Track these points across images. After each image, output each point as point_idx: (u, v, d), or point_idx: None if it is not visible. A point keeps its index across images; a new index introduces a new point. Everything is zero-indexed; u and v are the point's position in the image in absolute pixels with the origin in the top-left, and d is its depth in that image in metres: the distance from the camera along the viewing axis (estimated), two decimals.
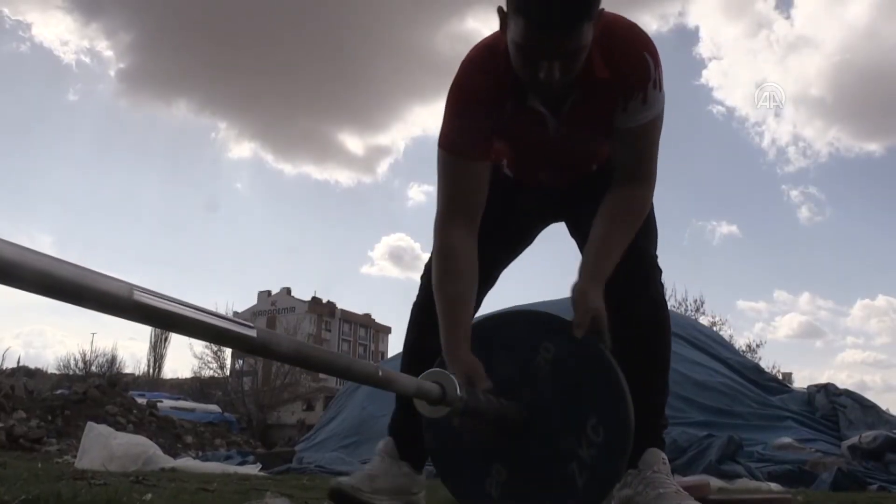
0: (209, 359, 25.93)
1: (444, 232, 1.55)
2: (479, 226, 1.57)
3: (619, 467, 1.46)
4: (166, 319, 0.70)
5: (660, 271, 1.70)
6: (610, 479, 1.47)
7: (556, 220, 1.86)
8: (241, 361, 28.90)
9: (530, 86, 1.43)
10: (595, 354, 1.47)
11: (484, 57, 1.51)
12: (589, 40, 1.36)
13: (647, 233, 1.66)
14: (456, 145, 1.52)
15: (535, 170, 1.74)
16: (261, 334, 0.80)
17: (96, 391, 10.79)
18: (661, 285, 1.70)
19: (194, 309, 0.73)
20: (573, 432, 1.45)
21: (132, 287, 0.66)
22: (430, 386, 1.22)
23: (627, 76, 1.45)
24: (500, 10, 1.41)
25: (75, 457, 4.66)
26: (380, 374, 1.07)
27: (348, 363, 1.01)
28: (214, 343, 0.82)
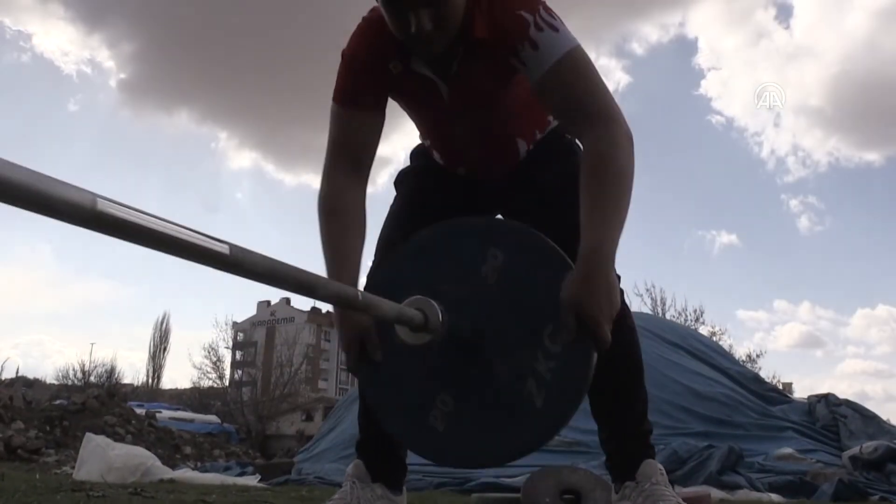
0: (208, 369, 25.89)
1: (327, 178, 1.53)
2: (419, 221, 1.53)
3: (583, 379, 1.27)
4: (132, 231, 0.65)
5: (618, 276, 1.49)
6: (573, 395, 1.27)
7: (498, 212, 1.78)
8: (240, 372, 28.85)
9: (408, 43, 1.41)
10: (548, 254, 1.33)
11: (364, 26, 1.54)
12: None
13: None
14: (344, 95, 1.53)
15: (454, 150, 1.69)
16: (234, 251, 0.77)
17: (95, 401, 10.77)
18: (622, 290, 1.51)
19: (163, 221, 0.68)
20: (528, 345, 1.29)
21: (96, 196, 0.61)
22: (412, 312, 1.17)
23: (505, 35, 1.40)
24: None
25: (73, 468, 4.64)
26: (360, 298, 1.04)
27: (325, 284, 0.97)
28: (184, 258, 0.76)
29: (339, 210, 1.52)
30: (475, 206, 1.67)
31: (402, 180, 1.81)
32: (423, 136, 1.79)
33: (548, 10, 1.42)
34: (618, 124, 1.38)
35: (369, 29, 1.52)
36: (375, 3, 1.47)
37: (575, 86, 1.39)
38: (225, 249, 0.76)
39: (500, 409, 1.30)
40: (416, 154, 1.83)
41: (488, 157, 1.66)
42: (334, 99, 1.56)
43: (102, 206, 0.62)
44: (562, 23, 1.42)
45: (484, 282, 1.35)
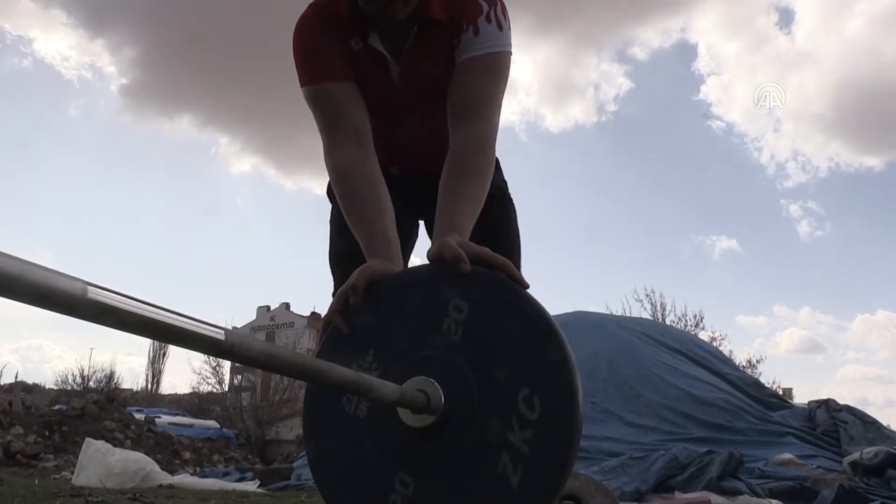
0: (208, 374, 25.87)
1: (331, 158, 1.47)
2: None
3: (566, 452, 1.08)
4: (124, 319, 0.64)
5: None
6: (555, 470, 1.08)
7: (421, 217, 1.77)
8: (239, 377, 28.81)
9: (373, 11, 1.40)
10: (518, 304, 1.16)
11: (312, 11, 1.51)
12: None
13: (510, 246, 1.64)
14: (314, 74, 1.49)
15: (394, 141, 1.65)
16: (229, 337, 0.74)
17: (94, 407, 10.75)
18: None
19: (155, 308, 0.67)
20: (500, 412, 1.10)
21: (86, 284, 0.60)
22: (415, 394, 1.11)
23: (458, 15, 1.44)
24: None
25: (73, 473, 4.63)
26: (360, 380, 0.98)
27: (323, 368, 0.92)
28: (178, 345, 0.73)
29: (351, 177, 1.43)
30: (409, 208, 1.67)
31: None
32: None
33: (504, 8, 1.48)
34: (492, 134, 1.45)
35: (320, 11, 1.50)
36: None
37: (483, 85, 1.44)
38: (220, 335, 0.73)
39: (469, 491, 1.12)
40: None
41: (425, 153, 1.65)
42: (305, 83, 1.51)
43: (93, 294, 0.60)
44: (509, 26, 1.49)
45: (447, 338, 1.18)
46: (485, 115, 1.43)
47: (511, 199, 1.76)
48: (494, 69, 1.46)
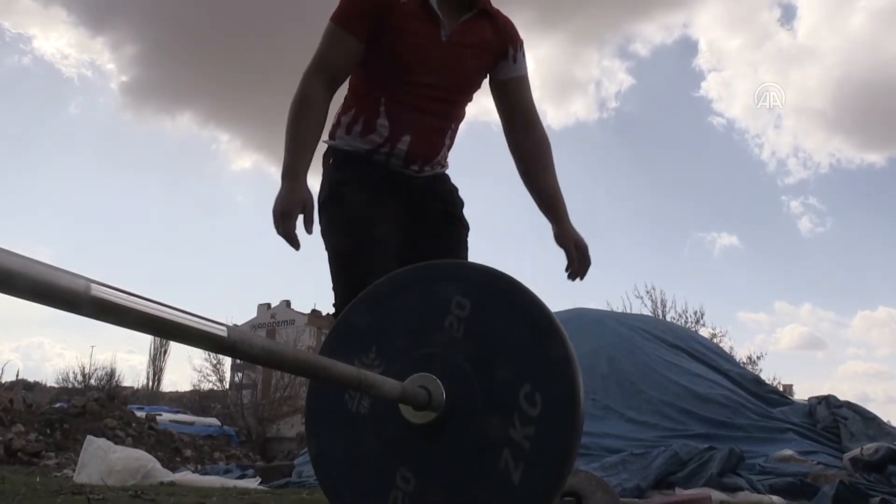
0: (208, 372, 25.88)
1: (307, 83, 1.79)
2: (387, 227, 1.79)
3: (567, 448, 1.08)
4: (127, 316, 0.64)
5: None
6: (556, 467, 1.08)
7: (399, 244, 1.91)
8: (240, 374, 28.82)
9: None
10: (520, 301, 1.17)
11: None
12: None
13: None
14: (347, 20, 1.77)
15: (409, 112, 1.85)
16: (232, 334, 0.75)
17: (95, 404, 10.75)
18: None
19: (158, 305, 0.66)
20: (502, 408, 1.10)
21: (89, 282, 0.60)
22: (416, 390, 1.10)
23: (508, 30, 1.90)
24: None
25: (74, 471, 4.64)
26: (362, 377, 0.98)
27: (325, 364, 0.93)
28: (180, 342, 0.73)
29: (313, 111, 1.78)
30: (406, 205, 1.89)
31: (342, 194, 1.84)
32: (377, 100, 1.86)
33: None
34: (543, 128, 2.00)
35: None
36: None
37: (532, 96, 1.99)
38: (222, 332, 0.73)
39: (470, 487, 1.12)
40: (341, 162, 1.88)
41: (429, 133, 1.88)
42: (335, 19, 1.78)
43: (96, 291, 0.60)
44: None
45: (449, 336, 1.18)
46: (539, 121, 1.99)
47: (465, 221, 2.02)
48: (530, 85, 1.98)
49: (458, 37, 1.80)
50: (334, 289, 1.82)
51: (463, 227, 1.98)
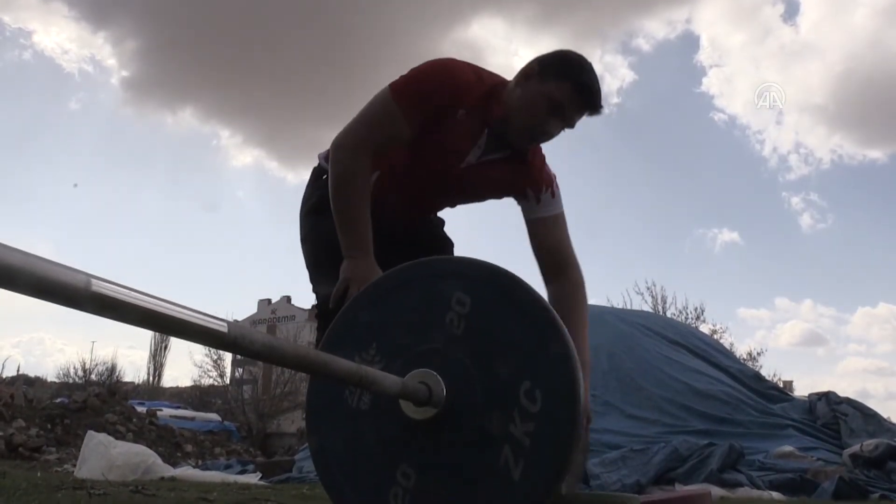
0: (209, 367, 25.90)
1: (357, 158, 1.72)
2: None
3: (567, 443, 1.08)
4: (128, 311, 0.63)
5: None
6: (556, 463, 1.08)
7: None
8: (240, 370, 28.85)
9: (525, 130, 1.72)
10: (520, 297, 1.17)
11: (472, 74, 1.74)
12: None
13: None
14: (409, 100, 1.68)
15: (402, 193, 1.86)
16: (232, 329, 0.74)
17: (96, 400, 10.77)
18: None
19: (159, 301, 0.66)
20: (502, 405, 1.10)
21: (89, 277, 0.60)
22: (417, 386, 1.10)
23: (539, 171, 1.83)
24: (531, 67, 1.73)
25: (75, 466, 4.65)
26: (362, 372, 0.97)
27: (326, 360, 0.92)
28: (181, 337, 0.73)
29: (366, 189, 1.72)
30: (393, 237, 1.88)
31: (327, 208, 1.84)
32: (384, 168, 1.87)
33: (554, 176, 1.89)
34: (580, 271, 1.87)
35: (473, 79, 1.72)
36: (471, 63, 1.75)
37: (566, 236, 1.88)
38: (223, 328, 0.73)
39: (470, 484, 1.12)
40: (321, 185, 1.89)
41: (416, 212, 1.94)
42: (396, 94, 1.70)
43: (97, 286, 0.60)
44: None
45: (449, 332, 1.18)
46: (576, 262, 1.87)
47: (447, 240, 2.06)
48: (565, 224, 1.89)
49: (477, 170, 1.79)
50: (314, 291, 1.89)
51: (446, 244, 2.02)
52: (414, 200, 1.90)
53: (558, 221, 1.87)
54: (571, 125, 1.75)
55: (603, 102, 1.74)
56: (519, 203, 1.87)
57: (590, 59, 1.76)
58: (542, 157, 1.87)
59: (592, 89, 1.71)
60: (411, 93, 1.69)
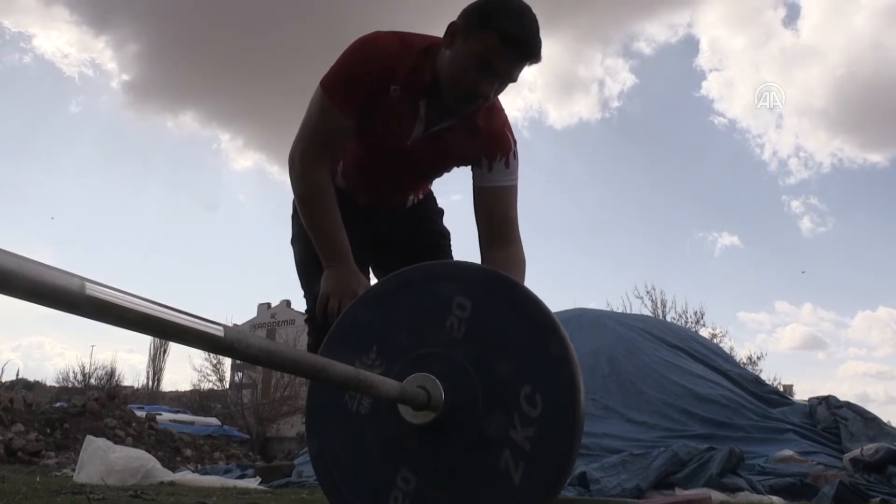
0: (208, 371, 25.87)
1: (311, 170, 1.67)
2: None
3: (566, 449, 1.08)
4: (122, 316, 0.63)
5: None
6: (557, 468, 1.07)
7: (370, 261, 1.96)
8: (240, 374, 28.82)
9: (458, 94, 1.58)
10: (520, 301, 1.16)
11: (396, 44, 1.62)
12: None
13: None
14: (338, 95, 1.62)
15: (367, 179, 1.84)
16: (229, 333, 0.74)
17: (95, 404, 10.76)
18: None
19: (154, 304, 0.66)
20: (503, 409, 1.10)
21: (84, 280, 0.59)
22: (415, 391, 1.10)
23: (494, 138, 1.71)
24: (454, 24, 1.58)
25: (74, 470, 4.64)
26: (360, 377, 0.97)
27: (323, 365, 0.92)
28: (177, 342, 0.73)
29: (328, 196, 1.68)
30: (372, 233, 1.88)
31: None
32: (337, 159, 1.85)
33: (516, 142, 1.77)
34: (522, 249, 1.77)
35: (399, 49, 1.61)
36: (398, 31, 1.63)
37: (512, 210, 1.76)
38: (219, 332, 0.73)
39: (470, 488, 1.11)
40: None
41: (387, 197, 1.89)
42: (326, 90, 1.62)
43: (91, 290, 0.60)
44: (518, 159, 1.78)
45: (450, 336, 1.17)
46: (518, 237, 1.76)
47: (443, 231, 2.04)
48: (516, 198, 1.76)
49: (426, 144, 1.70)
50: (303, 291, 1.90)
51: (441, 237, 2.01)
52: (382, 186, 1.87)
53: (508, 193, 1.74)
54: (510, 79, 1.57)
55: (539, 46, 1.55)
56: (473, 171, 1.76)
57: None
58: (502, 121, 1.73)
59: (522, 35, 1.51)
60: (339, 85, 1.61)
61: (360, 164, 1.81)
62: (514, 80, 1.58)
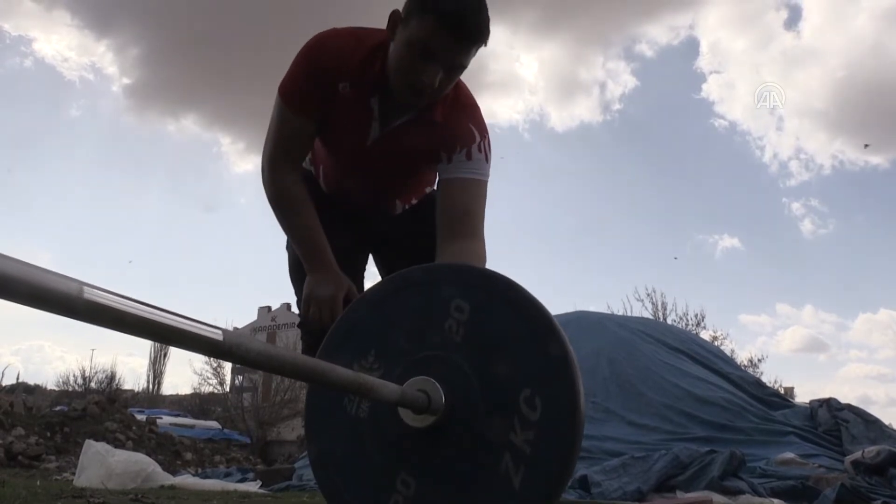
0: (209, 375, 25.86)
1: (277, 175, 1.66)
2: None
3: (567, 453, 1.08)
4: (121, 320, 0.63)
5: None
6: (557, 471, 1.07)
7: (371, 251, 1.95)
8: (240, 378, 28.81)
9: (404, 87, 1.51)
10: (520, 303, 1.15)
11: (347, 39, 1.59)
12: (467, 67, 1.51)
13: None
14: (291, 97, 1.60)
15: (342, 186, 1.83)
16: (228, 337, 0.74)
17: (95, 407, 10.76)
18: None
19: (153, 308, 0.66)
20: (502, 412, 1.10)
21: (82, 285, 0.59)
22: (416, 394, 1.10)
23: (453, 134, 1.62)
24: (395, 12, 1.52)
25: (74, 474, 4.63)
26: (360, 380, 0.97)
27: (324, 369, 0.92)
28: (176, 346, 0.72)
29: (299, 201, 1.66)
30: (360, 243, 1.87)
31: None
32: (313, 162, 1.86)
33: (489, 141, 1.67)
34: (485, 249, 1.65)
35: (349, 45, 1.57)
36: (354, 27, 1.60)
37: (473, 204, 1.64)
38: (218, 336, 0.73)
39: (470, 492, 1.11)
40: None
41: (368, 205, 1.85)
42: (282, 95, 1.61)
43: (89, 294, 0.59)
44: (490, 158, 1.67)
45: (448, 339, 1.17)
46: (478, 232, 1.64)
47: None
48: (480, 194, 1.65)
49: (384, 143, 1.65)
50: (297, 303, 1.86)
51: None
52: (357, 191, 1.83)
53: (470, 186, 1.63)
54: (457, 65, 1.48)
55: (482, 25, 1.44)
56: (437, 165, 1.69)
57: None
58: (467, 115, 1.64)
59: (461, 15, 1.41)
60: (293, 88, 1.59)
61: (331, 169, 1.81)
62: (462, 65, 1.49)
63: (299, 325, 1.82)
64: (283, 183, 1.66)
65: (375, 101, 1.59)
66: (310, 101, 1.59)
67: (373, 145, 1.65)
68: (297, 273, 1.81)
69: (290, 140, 1.64)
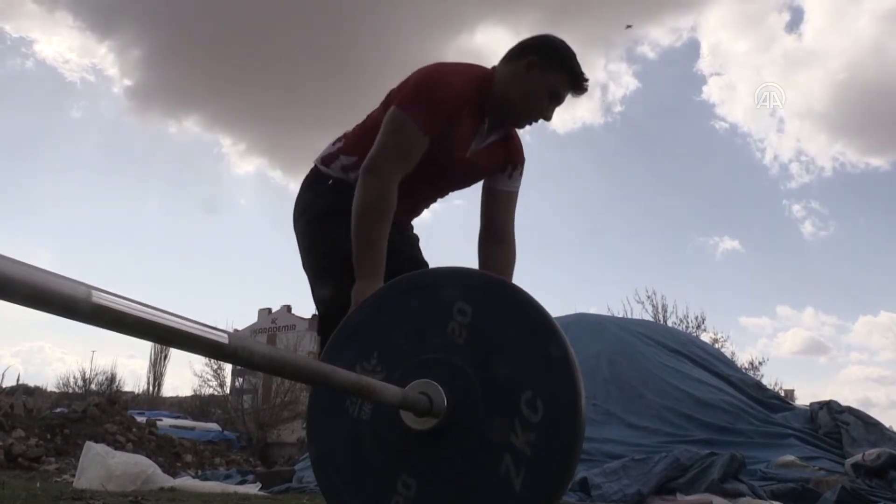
0: (209, 377, 25.84)
1: (387, 180, 1.79)
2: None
3: (567, 455, 1.08)
4: (128, 323, 0.63)
5: None
6: (558, 473, 1.07)
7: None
8: (240, 379, 28.80)
9: (527, 116, 1.90)
10: (521, 306, 1.16)
11: (466, 74, 1.87)
12: None
13: None
14: (420, 118, 1.79)
15: (416, 183, 1.91)
16: (233, 340, 0.74)
17: (96, 409, 10.75)
18: None
19: (159, 312, 0.66)
20: (503, 414, 1.10)
21: (90, 288, 0.59)
22: (417, 397, 1.10)
23: (518, 148, 2.01)
24: (532, 55, 1.86)
25: (74, 476, 4.63)
26: (363, 383, 0.97)
27: (326, 371, 0.92)
28: (181, 349, 0.73)
29: (390, 213, 1.79)
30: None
31: (339, 218, 1.84)
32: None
33: None
34: (515, 246, 2.03)
35: (472, 80, 1.85)
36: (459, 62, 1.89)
37: (514, 212, 2.04)
38: (224, 339, 0.73)
39: (471, 494, 1.11)
40: (340, 189, 1.91)
41: (411, 207, 2.04)
42: (411, 114, 1.79)
43: (97, 298, 0.59)
44: None
45: (451, 342, 1.18)
46: (513, 236, 2.03)
47: (423, 261, 2.13)
48: (516, 203, 2.05)
49: (479, 155, 1.92)
50: (316, 296, 1.91)
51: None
52: (422, 196, 2.02)
53: (514, 199, 2.03)
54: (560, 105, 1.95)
55: (588, 83, 1.92)
56: (493, 176, 2.00)
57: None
58: (518, 135, 2.03)
59: (584, 77, 1.90)
60: (426, 111, 1.79)
61: (411, 175, 1.87)
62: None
63: (319, 325, 1.84)
64: (387, 190, 1.78)
65: (485, 122, 1.89)
66: (437, 125, 1.80)
67: (470, 155, 1.91)
68: (334, 266, 1.84)
69: (409, 154, 1.81)
